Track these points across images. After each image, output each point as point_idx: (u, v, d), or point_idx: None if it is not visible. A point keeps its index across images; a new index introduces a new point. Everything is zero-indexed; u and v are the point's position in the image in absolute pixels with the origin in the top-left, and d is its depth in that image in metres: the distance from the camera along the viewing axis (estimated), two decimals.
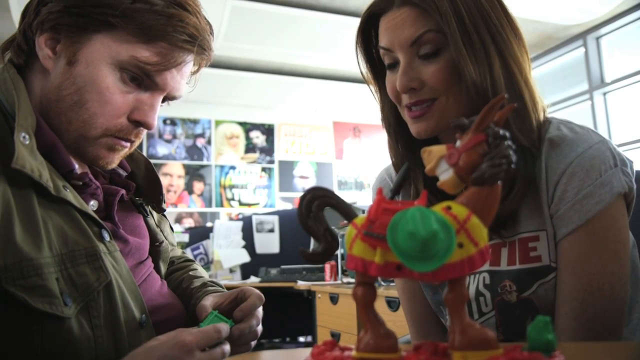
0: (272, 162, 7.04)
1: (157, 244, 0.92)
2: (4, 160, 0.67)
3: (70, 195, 0.73)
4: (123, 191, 0.85)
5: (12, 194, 0.67)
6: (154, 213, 0.98)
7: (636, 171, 0.79)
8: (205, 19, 0.83)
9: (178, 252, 1.08)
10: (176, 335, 0.66)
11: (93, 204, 0.80)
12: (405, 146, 0.89)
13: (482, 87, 0.75)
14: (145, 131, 0.83)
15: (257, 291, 0.86)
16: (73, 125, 0.76)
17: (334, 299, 2.53)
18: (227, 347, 0.72)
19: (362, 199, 6.54)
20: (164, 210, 0.99)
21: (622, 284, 0.73)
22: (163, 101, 0.83)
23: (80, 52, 0.75)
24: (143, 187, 0.94)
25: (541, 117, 0.81)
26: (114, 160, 0.82)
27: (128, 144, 0.81)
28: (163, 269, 0.94)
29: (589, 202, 0.73)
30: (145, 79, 0.77)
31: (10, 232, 0.65)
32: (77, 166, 0.78)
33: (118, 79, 0.76)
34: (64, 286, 0.67)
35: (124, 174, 0.90)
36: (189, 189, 6.58)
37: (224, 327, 0.72)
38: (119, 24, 0.74)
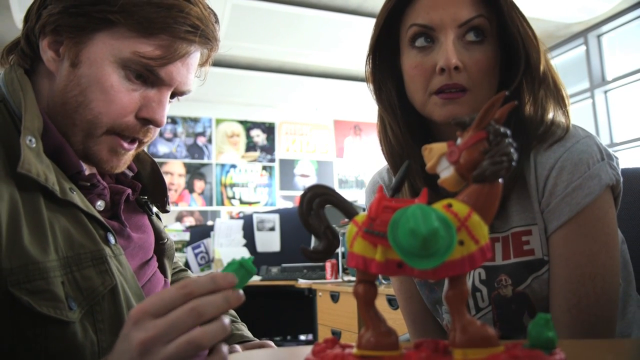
0: (272, 160, 7.04)
1: (162, 242, 0.92)
2: (12, 163, 0.67)
3: (77, 197, 0.72)
4: (129, 191, 0.85)
5: (20, 196, 0.66)
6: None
7: (625, 169, 0.81)
8: (209, 8, 0.81)
9: None
10: None
11: (100, 204, 0.79)
12: (408, 130, 0.87)
13: (539, 70, 0.79)
14: (156, 130, 0.81)
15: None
16: (78, 127, 0.75)
17: (334, 297, 2.53)
18: (200, 303, 0.50)
19: (363, 198, 6.53)
20: (168, 212, 0.98)
21: (613, 275, 0.75)
22: (172, 97, 0.81)
23: (83, 53, 0.74)
24: (148, 188, 0.93)
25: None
26: (119, 165, 0.80)
27: (133, 146, 0.80)
28: (168, 266, 0.94)
29: (579, 194, 0.74)
30: (150, 76, 0.76)
31: (18, 235, 0.64)
32: (85, 167, 0.77)
33: (123, 77, 0.75)
34: (69, 290, 0.67)
35: (130, 174, 0.89)
36: (190, 187, 6.58)
37: (192, 282, 0.51)
38: (118, 20, 0.73)
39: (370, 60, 0.88)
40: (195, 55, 0.80)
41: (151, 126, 0.80)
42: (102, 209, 0.79)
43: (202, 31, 0.77)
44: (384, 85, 0.88)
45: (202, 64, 0.84)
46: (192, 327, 0.50)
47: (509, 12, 0.79)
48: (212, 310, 0.50)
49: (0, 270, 0.63)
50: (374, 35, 0.86)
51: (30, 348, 0.64)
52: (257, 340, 0.90)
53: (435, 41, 0.79)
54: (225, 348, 0.52)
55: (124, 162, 0.81)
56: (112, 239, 0.75)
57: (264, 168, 6.99)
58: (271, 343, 0.84)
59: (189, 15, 0.75)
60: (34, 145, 0.68)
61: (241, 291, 0.53)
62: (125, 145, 0.78)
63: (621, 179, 0.77)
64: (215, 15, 0.82)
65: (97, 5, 0.73)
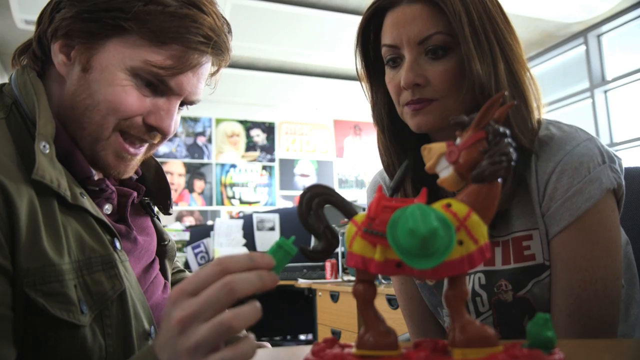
0: (272, 160, 7.04)
1: (164, 243, 0.92)
2: (28, 167, 0.67)
3: (87, 202, 0.73)
4: (135, 194, 0.85)
5: (37, 199, 0.67)
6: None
7: (625, 168, 0.80)
8: (223, 18, 0.80)
9: None
10: None
11: (107, 208, 0.79)
12: (398, 145, 0.90)
13: (487, 86, 0.77)
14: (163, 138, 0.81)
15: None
16: (87, 131, 0.75)
17: (334, 296, 2.53)
18: (234, 279, 0.48)
19: (363, 197, 6.54)
20: (170, 214, 0.99)
21: (614, 279, 0.74)
22: (181, 105, 0.81)
23: (94, 59, 0.74)
24: (152, 190, 0.93)
25: (537, 118, 0.82)
26: (127, 170, 0.80)
27: (140, 150, 0.79)
28: (168, 267, 0.94)
29: (579, 199, 0.74)
30: (160, 85, 0.76)
31: (37, 236, 0.65)
32: (94, 172, 0.78)
33: (133, 85, 0.74)
34: (81, 294, 0.67)
35: (135, 177, 0.89)
36: (190, 187, 6.58)
37: (228, 258, 0.50)
38: (131, 27, 0.72)
39: (366, 76, 0.92)
40: (207, 66, 0.80)
41: (157, 133, 0.79)
42: (109, 212, 0.80)
43: (214, 42, 0.77)
44: (376, 98, 0.92)
45: (213, 74, 0.84)
46: (227, 303, 0.48)
47: (457, 28, 0.77)
48: (246, 286, 0.47)
49: (17, 269, 0.63)
50: (357, 59, 0.91)
51: (40, 350, 0.65)
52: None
53: (403, 58, 0.81)
54: (253, 336, 0.50)
55: (132, 167, 0.81)
56: (118, 245, 0.75)
57: (264, 168, 6.99)
58: (267, 344, 0.84)
59: (202, 26, 0.75)
60: (47, 151, 0.69)
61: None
62: (132, 150, 0.78)
63: (623, 182, 0.77)
64: (228, 25, 0.82)
65: (110, 12, 0.72)
